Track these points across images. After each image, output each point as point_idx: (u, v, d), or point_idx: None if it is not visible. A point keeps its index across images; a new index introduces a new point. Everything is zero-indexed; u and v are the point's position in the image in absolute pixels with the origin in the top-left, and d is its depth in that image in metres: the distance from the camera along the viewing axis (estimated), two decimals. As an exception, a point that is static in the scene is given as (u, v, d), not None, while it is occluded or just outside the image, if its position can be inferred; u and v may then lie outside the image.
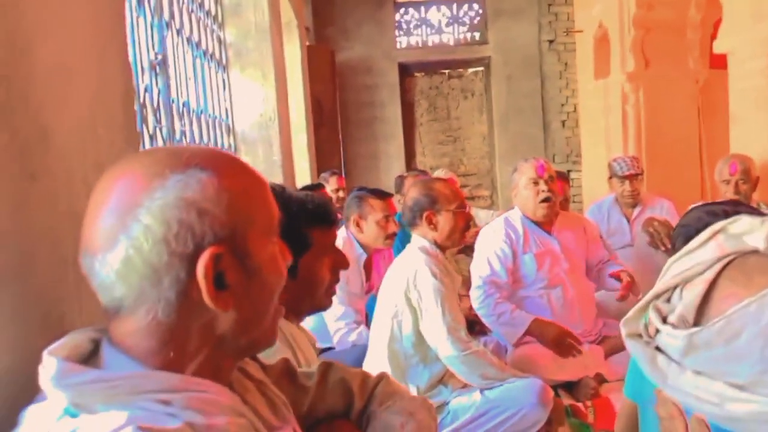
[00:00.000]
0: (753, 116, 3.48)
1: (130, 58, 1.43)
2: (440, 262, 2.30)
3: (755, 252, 0.79)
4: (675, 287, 0.84)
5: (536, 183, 2.84)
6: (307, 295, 1.32)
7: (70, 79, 0.95)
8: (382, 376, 1.03)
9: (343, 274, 2.74)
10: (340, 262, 1.36)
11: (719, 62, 5.15)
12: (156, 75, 2.15)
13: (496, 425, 2.20)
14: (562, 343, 2.58)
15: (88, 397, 0.61)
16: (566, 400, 2.52)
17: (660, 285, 0.86)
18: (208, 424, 0.63)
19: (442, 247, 2.37)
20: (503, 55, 7.18)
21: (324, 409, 0.97)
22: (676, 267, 0.85)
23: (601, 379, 2.69)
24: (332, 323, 2.78)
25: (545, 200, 2.83)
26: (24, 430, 0.62)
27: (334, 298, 2.73)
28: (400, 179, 4.57)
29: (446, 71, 7.68)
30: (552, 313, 2.82)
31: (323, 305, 1.36)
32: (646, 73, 5.25)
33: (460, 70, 7.67)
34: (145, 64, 2.05)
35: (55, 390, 0.61)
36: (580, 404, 2.45)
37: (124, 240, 0.63)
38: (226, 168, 0.68)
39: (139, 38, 2.00)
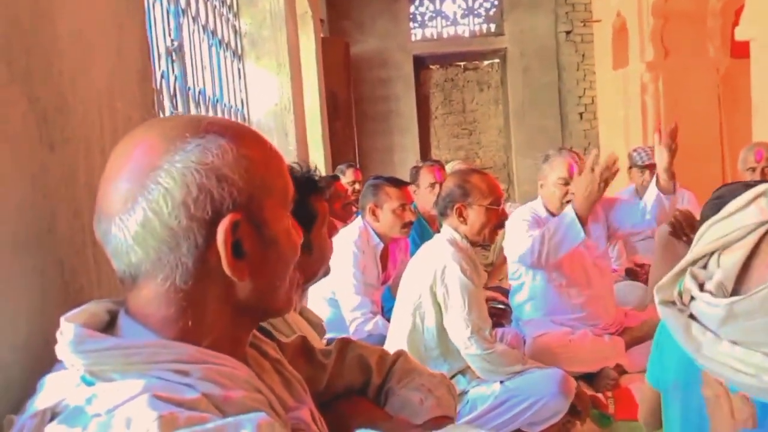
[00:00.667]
0: (777, 104, 3.41)
1: (148, 38, 1.43)
2: (469, 257, 2.26)
3: None
4: (712, 253, 0.81)
5: (566, 183, 2.77)
6: (323, 263, 1.34)
7: (90, 51, 0.94)
8: (400, 353, 1.02)
9: (360, 264, 2.78)
10: (332, 227, 1.40)
11: (740, 51, 5.07)
12: (172, 61, 2.14)
13: (515, 414, 2.18)
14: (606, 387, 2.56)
15: (104, 364, 0.60)
16: (586, 392, 2.49)
17: (696, 250, 0.83)
18: (225, 396, 0.62)
19: (471, 242, 2.32)
20: (519, 47, 7.12)
21: (342, 385, 0.96)
22: (713, 231, 0.82)
23: (621, 370, 2.66)
24: (348, 313, 2.77)
25: (570, 202, 2.73)
26: (41, 397, 0.62)
27: (351, 288, 2.76)
28: (415, 170, 4.50)
29: (462, 63, 7.64)
30: (573, 308, 2.77)
31: (328, 270, 1.39)
32: (665, 62, 5.17)
33: (476, 62, 7.63)
34: (162, 50, 2.05)
35: (72, 356, 0.60)
36: (600, 395, 2.41)
37: (143, 202, 0.62)
38: (244, 137, 0.68)
39: (155, 23, 2.00)
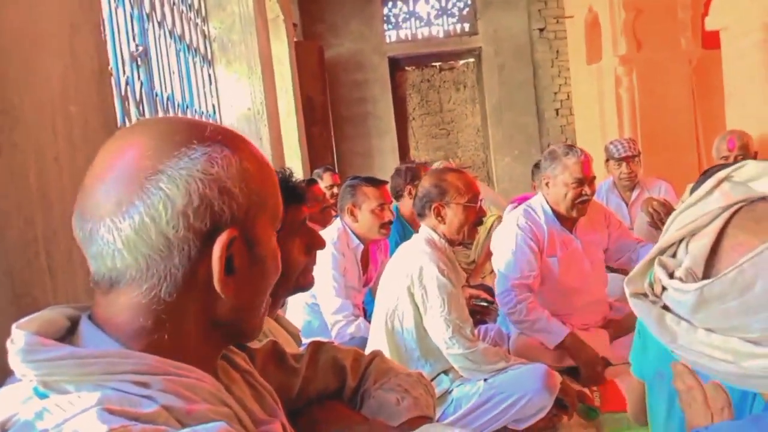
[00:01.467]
0: (748, 92, 3.44)
1: (106, 40, 1.38)
2: (447, 257, 2.24)
3: (763, 199, 0.74)
4: (680, 241, 0.79)
5: (581, 183, 2.64)
6: (281, 279, 1.25)
7: (37, 50, 0.90)
8: (376, 354, 0.98)
9: (341, 266, 2.74)
10: (316, 242, 1.28)
11: (711, 42, 5.12)
12: (138, 67, 2.10)
13: (500, 412, 2.15)
14: (593, 370, 2.51)
15: (58, 375, 0.56)
16: (572, 386, 2.47)
17: (664, 239, 0.81)
18: (188, 409, 0.58)
19: (450, 241, 2.30)
20: (494, 46, 7.14)
21: (316, 390, 0.92)
22: (680, 220, 0.80)
23: (606, 363, 2.64)
24: (330, 316, 2.73)
25: (584, 202, 2.68)
26: None
27: (331, 291, 2.72)
28: (410, 171, 4.38)
29: (437, 64, 7.63)
30: (568, 313, 2.72)
31: (301, 287, 1.28)
32: (638, 55, 5.21)
33: (451, 62, 7.62)
34: (126, 56, 2.00)
35: (23, 366, 0.56)
36: (585, 389, 2.40)
37: (140, 206, 0.58)
38: (245, 149, 0.65)
39: (119, 28, 1.95)
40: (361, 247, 2.89)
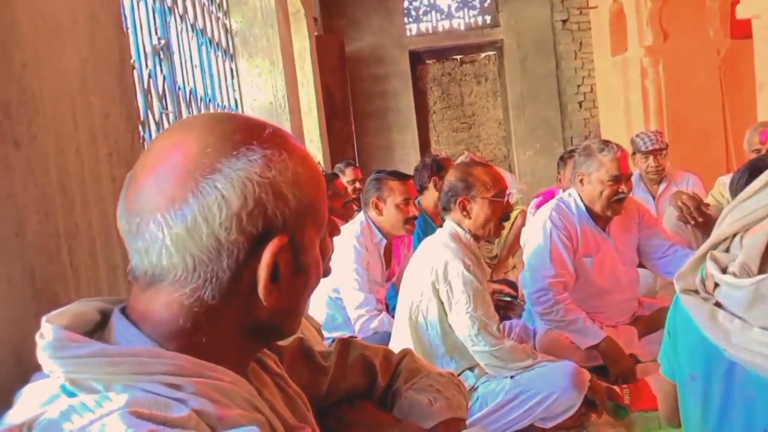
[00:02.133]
0: (782, 82, 3.34)
1: (128, 32, 1.37)
2: (472, 252, 2.20)
3: None
4: (734, 236, 0.76)
5: (618, 181, 2.53)
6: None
7: (56, 40, 0.88)
8: (406, 352, 0.95)
9: (364, 260, 2.71)
10: (333, 228, 1.30)
11: (740, 31, 5.00)
12: (160, 61, 2.08)
13: (527, 410, 2.11)
14: (625, 378, 2.44)
15: (86, 373, 0.54)
16: (601, 383, 2.42)
17: (717, 234, 0.77)
18: (220, 414, 0.56)
19: (475, 236, 2.25)
20: (516, 38, 7.05)
21: (344, 389, 0.89)
22: (733, 215, 0.76)
23: (635, 360, 2.58)
24: (353, 311, 2.71)
25: (620, 201, 2.58)
26: (15, 411, 0.56)
27: (354, 285, 2.69)
28: (435, 164, 4.29)
29: (458, 57, 7.56)
30: (598, 312, 2.65)
31: (327, 272, 1.30)
32: (665, 46, 5.10)
33: (473, 55, 7.54)
34: (148, 50, 1.99)
35: (51, 362, 0.54)
36: (615, 387, 2.35)
37: (194, 204, 0.56)
38: (300, 154, 0.63)
39: (141, 22, 1.94)
40: (384, 241, 2.86)
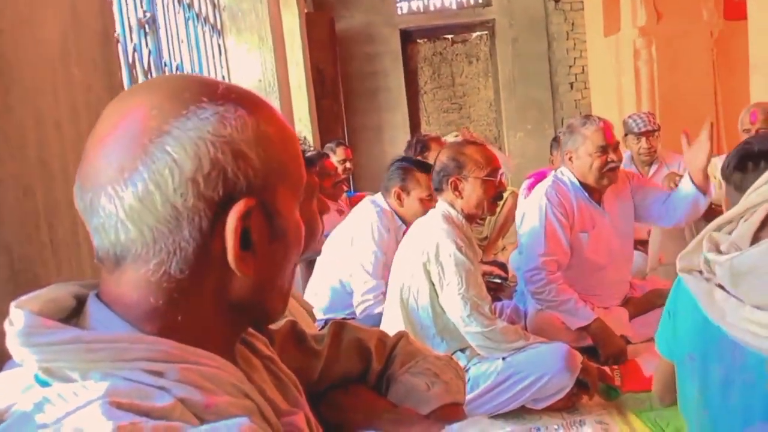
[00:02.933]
0: (775, 64, 3.32)
1: (113, 5, 1.32)
2: (464, 234, 2.18)
3: None
4: (741, 218, 0.75)
5: (605, 151, 2.54)
6: (310, 239, 1.24)
7: (36, 5, 0.82)
8: (402, 335, 0.92)
9: (382, 244, 2.67)
10: (323, 205, 1.30)
11: (734, 13, 4.96)
12: (146, 35, 2.02)
13: (519, 391, 2.11)
14: (615, 360, 2.44)
15: (61, 361, 0.50)
16: (593, 365, 2.42)
17: (726, 215, 0.76)
18: (207, 402, 0.52)
19: (468, 217, 2.23)
20: (508, 18, 6.97)
21: (338, 373, 0.86)
22: (742, 202, 0.76)
23: (625, 341, 2.59)
24: (359, 296, 2.68)
25: (612, 169, 2.57)
26: None
27: (370, 268, 2.66)
28: (420, 144, 4.22)
29: (449, 36, 7.47)
30: (590, 290, 2.64)
31: (318, 251, 1.29)
32: (658, 26, 5.05)
33: (464, 34, 7.46)
34: (133, 23, 1.92)
35: (23, 350, 0.50)
36: (606, 368, 2.35)
37: (144, 172, 0.52)
38: (263, 111, 0.58)
39: (125, -6, 1.87)
40: (404, 227, 2.80)
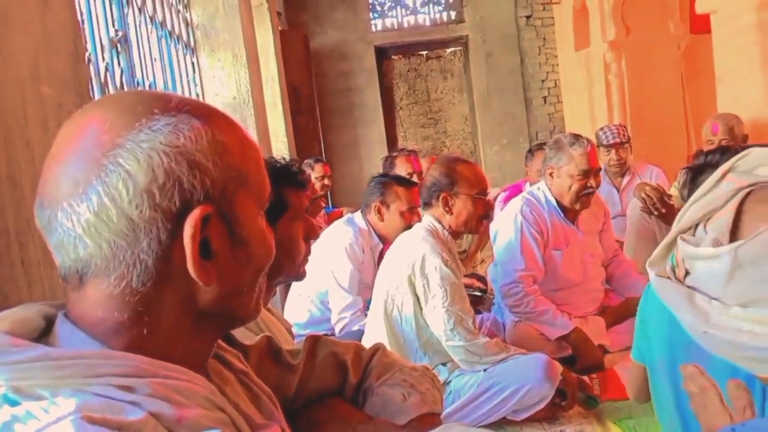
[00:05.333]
0: (739, 75, 3.41)
1: (84, 21, 1.31)
2: (448, 249, 2.19)
3: None
4: (697, 225, 0.76)
5: (587, 175, 2.56)
6: (287, 262, 1.25)
7: (4, 23, 0.82)
8: (378, 347, 0.92)
9: (357, 262, 2.68)
10: (311, 230, 1.32)
11: (700, 26, 5.10)
12: (118, 54, 2.01)
13: (500, 402, 2.12)
14: (590, 370, 2.46)
15: (31, 379, 0.50)
16: (572, 375, 2.44)
17: (680, 225, 0.77)
18: (178, 416, 0.52)
19: (454, 233, 2.25)
20: (481, 34, 7.07)
21: (315, 388, 0.85)
22: (693, 209, 0.77)
23: (604, 350, 2.61)
24: (337, 313, 2.67)
25: (589, 195, 2.60)
26: None
27: (346, 286, 2.66)
28: (389, 160, 4.28)
29: (424, 53, 7.56)
30: (566, 304, 2.66)
31: (300, 275, 1.29)
32: (627, 40, 5.17)
33: (438, 50, 7.55)
34: (105, 42, 1.92)
35: None
36: (585, 377, 2.37)
37: (98, 186, 0.52)
38: (219, 120, 0.59)
39: (96, 13, 1.87)
40: (380, 246, 2.81)
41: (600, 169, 2.68)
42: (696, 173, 1.44)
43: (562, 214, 2.68)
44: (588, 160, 2.56)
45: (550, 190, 2.68)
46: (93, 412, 0.48)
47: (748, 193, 0.73)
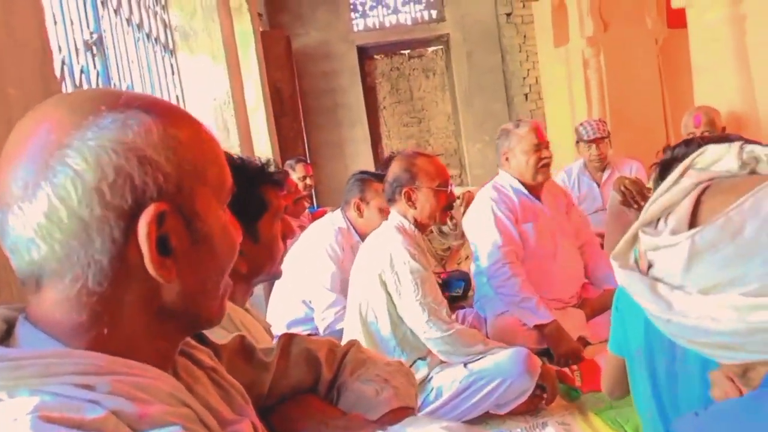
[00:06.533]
0: (716, 68, 3.45)
1: (58, 26, 1.30)
2: (417, 243, 2.21)
3: (731, 176, 0.75)
4: (658, 219, 0.78)
5: (539, 148, 2.75)
6: (268, 261, 1.26)
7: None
8: (352, 343, 0.92)
9: (338, 261, 2.68)
10: (288, 229, 1.34)
11: (677, 21, 5.15)
12: (93, 56, 2.00)
13: (482, 398, 2.13)
14: (567, 359, 2.50)
15: None
16: (552, 367, 2.46)
17: (643, 218, 0.79)
18: (140, 413, 0.51)
19: (421, 226, 2.27)
20: (462, 32, 7.09)
21: (289, 385, 0.85)
22: (653, 209, 0.79)
23: (584, 342, 2.64)
24: (320, 312, 2.67)
25: (546, 165, 2.77)
26: None
27: (328, 285, 2.67)
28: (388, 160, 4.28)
29: (406, 52, 7.57)
30: (543, 284, 2.71)
31: (278, 273, 1.30)
32: (605, 36, 5.22)
33: (420, 49, 7.56)
34: (80, 45, 1.91)
35: None
36: (566, 369, 2.39)
37: (47, 187, 0.51)
38: (172, 114, 0.58)
39: (70, 15, 1.85)
40: (360, 244, 2.81)
41: (548, 142, 2.84)
42: (664, 168, 1.47)
43: (526, 191, 2.82)
44: (536, 135, 2.77)
45: (509, 173, 2.83)
46: (51, 411, 0.48)
47: (706, 187, 0.75)
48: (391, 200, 2.28)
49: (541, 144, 2.76)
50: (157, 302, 0.57)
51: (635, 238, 0.81)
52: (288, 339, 0.88)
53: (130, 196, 0.53)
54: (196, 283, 0.59)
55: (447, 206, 2.29)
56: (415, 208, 2.23)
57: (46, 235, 0.52)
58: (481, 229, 2.73)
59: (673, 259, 0.70)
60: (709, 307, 0.68)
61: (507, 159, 2.82)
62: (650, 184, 3.04)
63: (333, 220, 2.85)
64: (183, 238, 0.57)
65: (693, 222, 0.72)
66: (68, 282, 0.53)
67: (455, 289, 3.44)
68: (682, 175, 0.77)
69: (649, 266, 0.77)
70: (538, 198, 2.85)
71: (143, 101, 0.57)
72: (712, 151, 0.77)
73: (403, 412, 0.84)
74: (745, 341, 0.66)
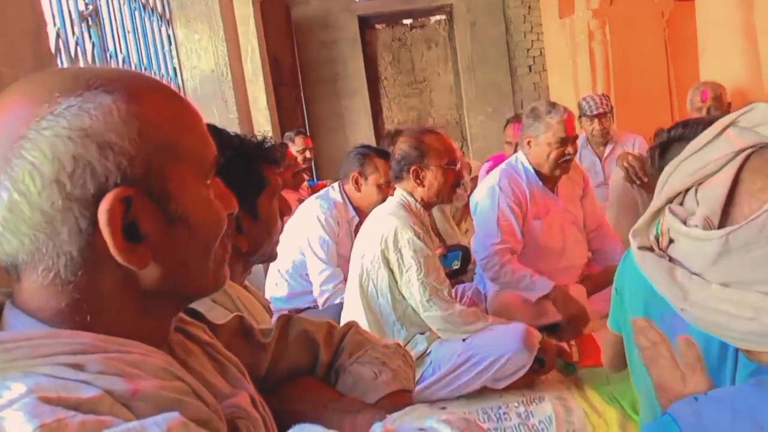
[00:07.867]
0: (722, 43, 3.40)
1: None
2: (421, 221, 2.21)
3: None
4: (687, 190, 0.73)
5: (564, 143, 2.56)
6: (267, 239, 1.25)
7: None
8: (351, 325, 0.92)
9: (333, 235, 2.68)
10: (286, 206, 1.33)
11: (684, -7, 5.06)
12: (89, 27, 1.97)
13: (479, 372, 2.15)
14: (578, 321, 2.46)
15: None
16: (551, 342, 2.47)
17: (668, 189, 0.74)
18: (133, 389, 0.51)
19: (426, 204, 2.26)
20: (465, 2, 6.98)
21: (287, 367, 0.86)
22: (682, 168, 0.73)
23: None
24: (318, 287, 2.68)
25: (567, 161, 2.61)
26: None
27: (323, 257, 2.66)
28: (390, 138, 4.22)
29: (408, 21, 7.45)
30: (543, 274, 2.64)
31: (274, 255, 1.30)
32: (611, 8, 5.13)
33: (423, 19, 7.45)
34: (75, 16, 1.87)
35: None
36: (564, 344, 2.40)
37: (6, 181, 0.51)
38: (140, 90, 0.55)
39: (64, -14, 1.82)
40: (357, 219, 2.80)
41: (577, 136, 2.69)
42: (663, 149, 1.44)
43: (541, 183, 2.69)
44: (565, 127, 2.56)
45: (528, 159, 2.68)
46: (47, 392, 0.47)
47: (748, 157, 0.68)
48: (398, 178, 2.26)
49: (568, 139, 2.57)
50: (139, 285, 0.56)
51: (659, 213, 0.76)
52: (286, 320, 0.88)
53: (93, 184, 0.52)
54: (177, 264, 0.58)
55: (455, 184, 2.27)
56: (423, 186, 2.22)
57: (14, 229, 0.52)
58: (483, 218, 2.64)
59: (701, 251, 0.66)
60: (726, 301, 0.65)
61: (529, 143, 2.65)
62: (652, 170, 3.03)
63: (328, 194, 2.84)
64: (155, 221, 0.55)
65: (728, 204, 0.67)
66: (41, 273, 0.53)
67: (453, 262, 3.44)
68: (721, 132, 0.70)
69: (670, 242, 0.73)
70: (553, 189, 2.72)
71: (105, 79, 0.54)
72: (760, 110, 0.70)
73: (401, 395, 0.84)
74: (757, 341, 0.65)
